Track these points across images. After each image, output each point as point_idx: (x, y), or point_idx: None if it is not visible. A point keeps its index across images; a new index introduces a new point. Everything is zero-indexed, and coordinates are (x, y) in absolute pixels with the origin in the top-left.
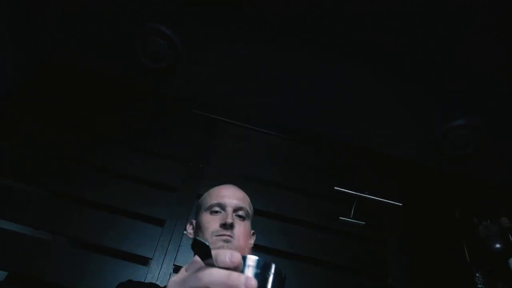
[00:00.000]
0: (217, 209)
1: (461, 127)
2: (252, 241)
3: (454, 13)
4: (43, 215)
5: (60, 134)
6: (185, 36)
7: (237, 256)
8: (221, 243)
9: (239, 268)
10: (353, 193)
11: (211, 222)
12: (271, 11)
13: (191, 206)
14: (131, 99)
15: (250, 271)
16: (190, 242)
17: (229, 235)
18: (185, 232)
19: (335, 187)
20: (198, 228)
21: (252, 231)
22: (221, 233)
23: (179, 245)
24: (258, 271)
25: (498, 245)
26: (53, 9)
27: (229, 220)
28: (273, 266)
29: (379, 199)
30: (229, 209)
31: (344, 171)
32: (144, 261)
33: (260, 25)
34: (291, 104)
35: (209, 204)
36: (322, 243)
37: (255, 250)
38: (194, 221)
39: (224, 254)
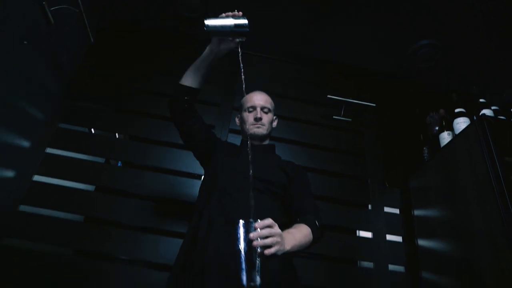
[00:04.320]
0: (251, 109)
1: (425, 46)
2: (275, 123)
3: None
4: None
5: (121, 71)
6: None
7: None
8: (256, 129)
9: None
10: (341, 99)
11: (249, 117)
12: None
13: (230, 116)
14: (172, 43)
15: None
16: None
17: (260, 124)
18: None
19: (328, 96)
20: (241, 121)
21: (274, 117)
22: (255, 123)
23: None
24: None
25: (436, 128)
26: None
27: (259, 116)
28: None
29: (359, 102)
30: (258, 108)
31: (336, 83)
32: None
33: None
34: (300, 37)
35: (246, 106)
36: (320, 134)
37: (275, 141)
38: (239, 115)
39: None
